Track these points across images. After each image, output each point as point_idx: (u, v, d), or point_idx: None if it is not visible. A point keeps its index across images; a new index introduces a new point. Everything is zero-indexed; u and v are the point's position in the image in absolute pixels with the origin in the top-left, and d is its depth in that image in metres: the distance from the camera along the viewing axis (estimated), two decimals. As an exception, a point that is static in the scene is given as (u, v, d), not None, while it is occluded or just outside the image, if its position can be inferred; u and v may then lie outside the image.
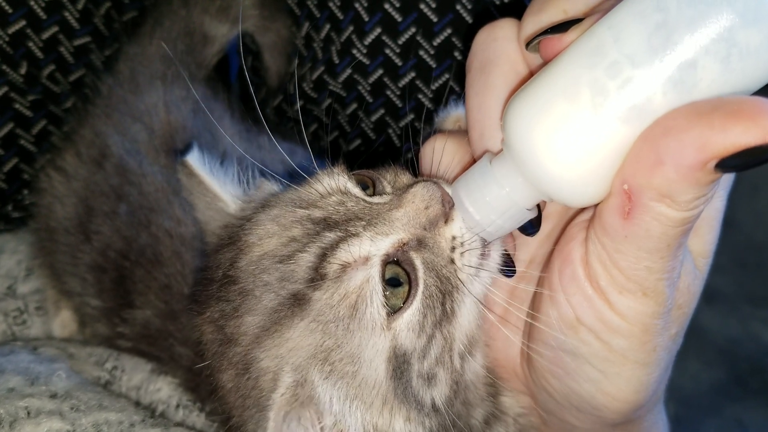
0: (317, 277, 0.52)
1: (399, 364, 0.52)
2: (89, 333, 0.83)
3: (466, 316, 0.54)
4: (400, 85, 0.90)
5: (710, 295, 0.98)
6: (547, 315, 0.50)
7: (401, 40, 0.88)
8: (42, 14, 0.85)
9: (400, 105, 0.92)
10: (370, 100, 0.93)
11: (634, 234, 0.43)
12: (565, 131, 0.44)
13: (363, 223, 0.53)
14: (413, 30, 0.87)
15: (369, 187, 0.58)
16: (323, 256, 0.52)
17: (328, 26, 0.92)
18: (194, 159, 0.65)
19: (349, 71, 0.92)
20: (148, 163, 0.79)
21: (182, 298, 0.72)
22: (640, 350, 0.48)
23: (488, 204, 0.51)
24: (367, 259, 0.52)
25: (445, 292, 0.53)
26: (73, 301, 0.84)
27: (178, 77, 0.85)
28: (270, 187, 0.64)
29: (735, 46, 0.39)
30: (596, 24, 0.44)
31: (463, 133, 0.59)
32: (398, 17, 0.87)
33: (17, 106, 0.87)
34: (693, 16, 0.39)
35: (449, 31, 0.87)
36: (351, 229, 0.53)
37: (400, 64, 0.89)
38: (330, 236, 0.53)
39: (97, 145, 0.82)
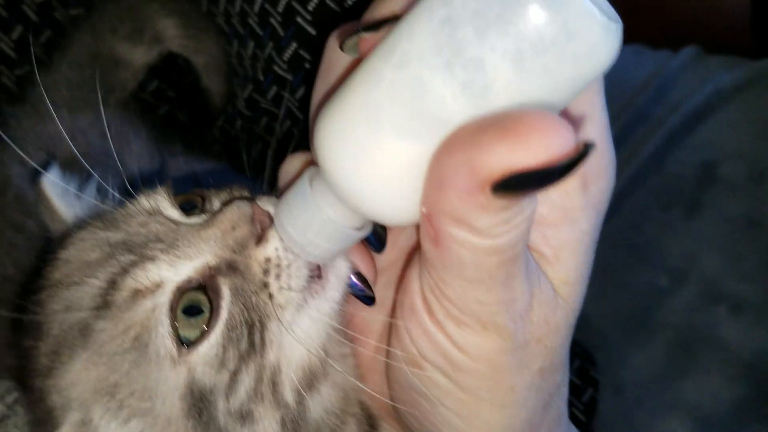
0: (103, 305, 0.47)
1: (196, 401, 0.47)
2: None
3: (289, 346, 0.48)
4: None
5: (734, 303, 0.91)
6: (394, 350, 0.45)
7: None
8: None
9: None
10: (301, 117, 0.89)
11: (449, 263, 0.37)
12: (365, 151, 0.38)
13: (162, 245, 0.49)
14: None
15: (197, 206, 0.53)
16: (113, 282, 0.48)
17: (252, 43, 0.88)
18: (49, 180, 0.62)
19: (275, 88, 0.88)
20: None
21: None
22: (493, 390, 0.42)
23: (308, 224, 0.45)
24: (158, 286, 0.47)
25: (253, 322, 0.47)
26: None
27: (85, 103, 0.82)
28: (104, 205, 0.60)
29: (525, 41, 0.33)
30: (398, 23, 0.38)
31: None
32: (312, 30, 0.83)
33: None
34: (476, 9, 0.33)
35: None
36: (148, 252, 0.48)
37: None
38: (124, 260, 0.48)
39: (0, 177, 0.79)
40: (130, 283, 0.47)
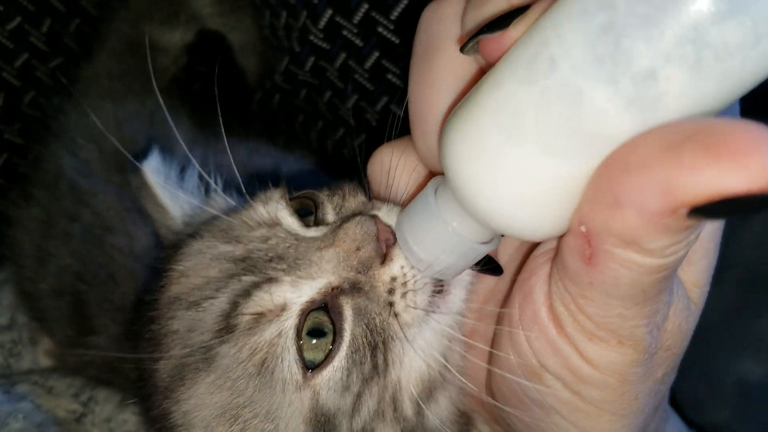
0: (225, 328, 0.46)
1: (321, 425, 0.46)
2: (64, 363, 0.82)
3: (410, 362, 0.47)
4: (367, 66, 0.84)
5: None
6: (508, 357, 0.43)
7: (356, 19, 0.82)
8: None
9: (371, 88, 0.86)
10: (341, 86, 0.87)
11: (601, 281, 0.35)
12: (503, 165, 0.35)
13: (285, 265, 0.47)
14: (366, 6, 0.81)
15: (312, 212, 0.51)
16: (235, 304, 0.46)
17: (285, 12, 0.87)
18: (150, 167, 0.60)
19: (313, 59, 0.87)
20: (99, 182, 0.76)
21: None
22: (618, 402, 0.40)
23: (434, 241, 0.43)
24: (283, 309, 0.46)
25: (376, 344, 0.46)
26: (47, 330, 0.83)
27: (129, 92, 0.82)
28: (220, 202, 0.58)
29: (707, 48, 0.29)
30: (538, 21, 0.34)
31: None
32: (348, -7, 0.81)
33: None
34: (647, 14, 0.29)
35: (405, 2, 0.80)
36: (270, 272, 0.47)
37: (361, 44, 0.83)
38: (246, 280, 0.47)
39: (52, 168, 0.81)
40: (253, 306, 0.46)
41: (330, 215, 0.51)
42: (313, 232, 0.49)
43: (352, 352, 0.45)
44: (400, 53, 0.83)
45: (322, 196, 0.52)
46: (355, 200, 0.52)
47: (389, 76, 0.84)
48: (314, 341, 0.46)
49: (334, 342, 0.45)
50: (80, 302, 0.73)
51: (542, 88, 0.33)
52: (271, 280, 0.46)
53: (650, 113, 0.31)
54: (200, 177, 0.60)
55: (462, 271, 0.45)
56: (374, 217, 0.47)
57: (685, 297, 0.41)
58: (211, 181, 0.57)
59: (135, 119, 0.80)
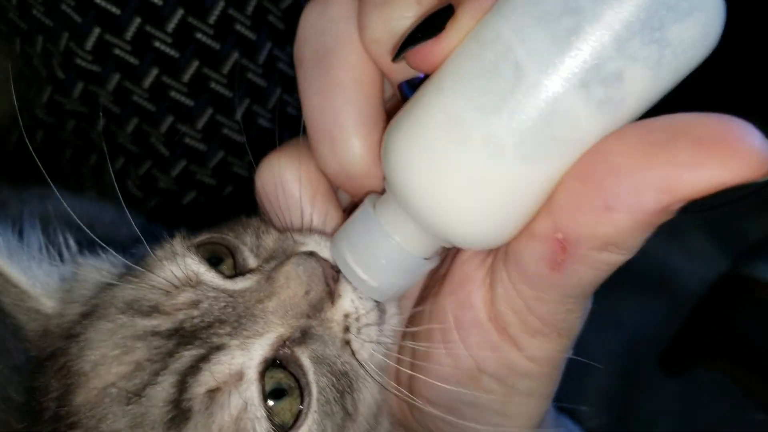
0: (179, 415, 0.39)
1: None
2: None
3: (369, 398, 0.44)
4: (146, 86, 0.78)
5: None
6: (440, 367, 0.41)
7: (128, 35, 0.75)
8: None
9: (153, 110, 0.79)
10: (117, 111, 0.80)
11: (564, 284, 0.35)
12: (459, 175, 0.34)
13: (228, 328, 0.41)
14: (139, 21, 0.75)
15: (225, 258, 0.45)
16: (182, 384, 0.40)
17: (41, 38, 0.77)
18: None
19: (82, 84, 0.78)
20: None
21: None
22: (547, 385, 0.41)
23: (384, 265, 0.40)
24: (240, 377, 0.40)
25: (344, 389, 0.42)
26: None
27: None
28: (91, 268, 0.49)
29: (668, 46, 0.31)
30: (484, 23, 0.33)
31: (302, 141, 0.45)
32: (115, 10, 0.74)
33: None
34: (613, 19, 0.30)
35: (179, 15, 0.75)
36: (214, 339, 0.41)
37: (137, 63, 0.77)
38: (189, 355, 0.41)
39: None
40: (205, 380, 0.40)
41: (251, 260, 0.46)
42: (242, 283, 0.44)
43: (322, 406, 0.41)
44: (182, 67, 0.77)
45: (232, 238, 0.46)
46: (270, 237, 0.46)
47: (172, 94, 0.78)
48: (279, 403, 0.41)
49: (302, 400, 0.41)
50: None
51: (511, 93, 0.32)
52: (218, 348, 0.41)
53: (616, 115, 0.32)
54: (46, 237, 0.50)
55: (404, 291, 0.43)
56: (312, 254, 0.43)
57: None
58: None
59: None
